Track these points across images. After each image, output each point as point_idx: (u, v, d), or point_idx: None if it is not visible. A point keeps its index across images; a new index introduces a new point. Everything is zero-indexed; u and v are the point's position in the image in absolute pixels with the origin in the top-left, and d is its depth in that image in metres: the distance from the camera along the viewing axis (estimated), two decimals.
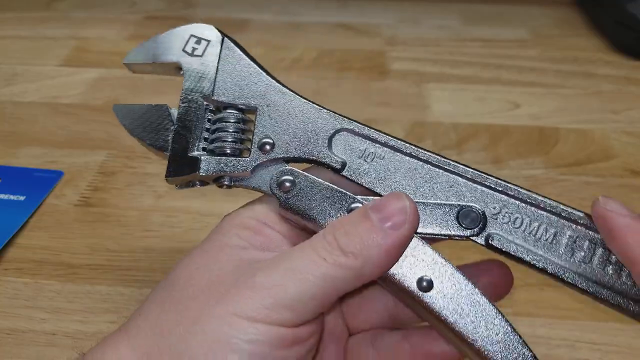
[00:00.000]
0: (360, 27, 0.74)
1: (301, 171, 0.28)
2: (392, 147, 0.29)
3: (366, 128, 0.30)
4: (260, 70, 0.30)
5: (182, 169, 0.29)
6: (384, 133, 0.30)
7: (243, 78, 0.30)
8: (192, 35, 0.31)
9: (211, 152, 0.29)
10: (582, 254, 0.27)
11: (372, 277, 0.25)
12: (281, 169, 0.29)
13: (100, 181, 0.48)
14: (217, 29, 0.31)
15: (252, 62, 0.30)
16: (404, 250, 0.26)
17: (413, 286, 0.26)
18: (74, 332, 0.36)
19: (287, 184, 0.28)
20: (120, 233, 0.44)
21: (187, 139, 0.29)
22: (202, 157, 0.29)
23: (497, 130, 0.55)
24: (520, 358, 0.25)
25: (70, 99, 0.59)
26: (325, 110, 0.30)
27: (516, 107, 0.59)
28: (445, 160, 0.29)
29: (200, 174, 0.28)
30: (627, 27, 0.66)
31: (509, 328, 0.26)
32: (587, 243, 0.27)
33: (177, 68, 0.31)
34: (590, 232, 0.27)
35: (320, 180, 0.28)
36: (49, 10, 0.77)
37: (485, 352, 0.25)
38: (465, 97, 0.60)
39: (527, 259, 0.27)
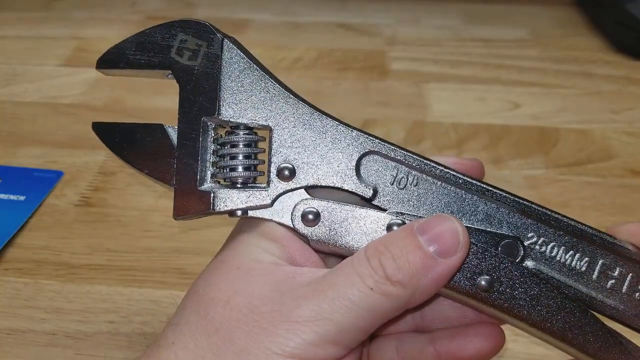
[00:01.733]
0: (360, 27, 0.74)
1: (325, 201, 0.26)
2: (426, 172, 0.26)
3: (398, 150, 0.26)
4: (272, 81, 0.26)
5: (193, 206, 0.25)
6: (417, 155, 0.26)
7: (252, 91, 0.26)
8: (182, 34, 0.25)
9: (222, 182, 0.26)
10: (613, 281, 0.26)
11: (418, 303, 0.24)
12: (302, 199, 0.26)
13: (100, 181, 0.48)
14: (213, 27, 0.26)
15: (260, 70, 0.26)
16: (455, 276, 0.24)
17: (472, 288, 0.25)
18: (74, 332, 0.36)
19: (311, 217, 0.25)
20: (120, 233, 0.44)
21: (193, 168, 0.25)
22: (214, 192, 0.25)
23: (497, 130, 0.55)
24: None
25: (71, 99, 0.59)
26: (351, 129, 0.26)
27: (516, 107, 0.59)
28: (480, 185, 0.26)
29: (215, 210, 0.25)
30: (627, 27, 0.66)
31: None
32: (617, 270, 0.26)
33: (166, 72, 0.26)
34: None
35: (348, 206, 0.26)
36: (49, 10, 0.77)
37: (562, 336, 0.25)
38: (465, 97, 0.60)
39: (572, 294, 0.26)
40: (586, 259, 0.26)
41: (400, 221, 0.25)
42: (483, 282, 0.25)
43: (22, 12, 0.76)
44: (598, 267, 0.26)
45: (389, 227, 0.25)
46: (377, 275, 0.23)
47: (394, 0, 0.80)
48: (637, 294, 0.25)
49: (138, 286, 0.39)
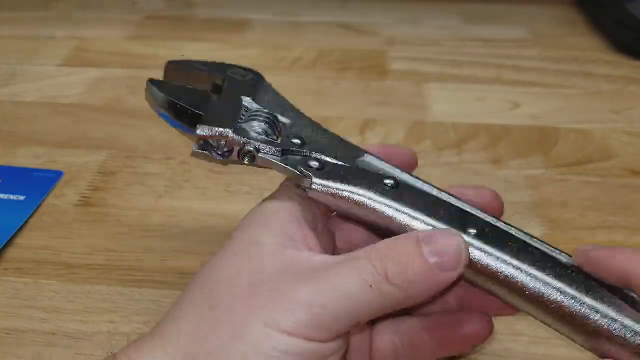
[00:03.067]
0: (360, 27, 0.74)
1: (326, 157, 0.29)
2: (415, 187, 0.29)
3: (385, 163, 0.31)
4: (286, 101, 0.33)
5: (219, 120, 0.28)
6: (419, 177, 0.31)
7: (277, 103, 0.33)
8: (234, 68, 0.34)
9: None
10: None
11: (412, 305, 0.26)
12: (308, 155, 0.29)
13: (100, 181, 0.48)
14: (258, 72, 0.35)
15: (280, 95, 0.34)
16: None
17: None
18: (74, 332, 0.36)
19: (316, 166, 0.28)
20: (120, 233, 0.43)
21: (223, 111, 0.29)
22: (237, 123, 0.29)
23: (497, 130, 0.55)
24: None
25: (70, 99, 0.59)
26: (355, 144, 0.32)
27: (516, 107, 0.59)
28: (452, 197, 0.30)
29: (235, 131, 0.28)
30: (627, 27, 0.66)
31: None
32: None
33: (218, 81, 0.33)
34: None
35: (347, 165, 0.29)
36: (49, 10, 0.77)
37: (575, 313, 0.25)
38: (465, 97, 0.60)
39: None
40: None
41: (392, 182, 0.28)
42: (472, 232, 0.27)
43: (22, 12, 0.76)
44: None
45: (385, 186, 0.28)
46: (378, 275, 0.24)
47: (394, 0, 0.80)
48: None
49: (138, 286, 0.39)
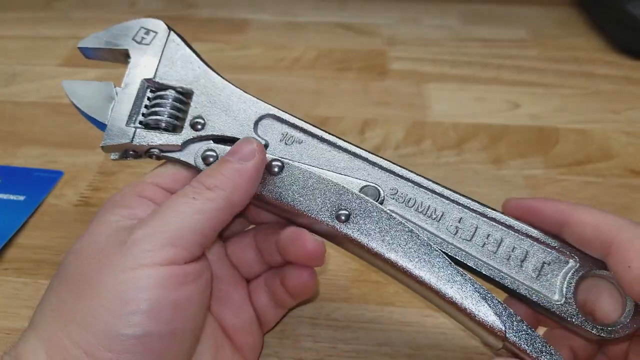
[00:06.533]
0: (360, 27, 0.74)
1: (223, 146, 0.31)
2: (309, 134, 0.33)
3: (288, 115, 0.33)
4: (199, 60, 0.33)
5: (117, 138, 0.31)
6: (304, 121, 0.33)
7: (183, 65, 0.33)
8: (142, 27, 0.34)
9: (146, 125, 0.32)
10: (465, 231, 0.31)
11: (242, 202, 0.29)
12: (207, 145, 0.31)
13: (100, 181, 0.48)
14: (165, 23, 0.34)
15: (192, 53, 0.33)
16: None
17: (332, 219, 0.30)
18: None
19: (211, 159, 0.31)
20: None
21: (125, 113, 0.32)
22: (137, 129, 0.31)
23: (497, 130, 0.55)
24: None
25: None
26: (254, 98, 0.33)
27: (516, 107, 0.59)
28: (351, 144, 0.32)
29: (133, 143, 0.31)
30: (627, 27, 0.66)
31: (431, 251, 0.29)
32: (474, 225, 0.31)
33: (126, 55, 0.33)
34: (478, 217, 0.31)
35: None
36: (49, 10, 0.77)
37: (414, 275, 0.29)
38: (465, 97, 0.60)
39: (421, 235, 0.30)
40: (441, 210, 0.31)
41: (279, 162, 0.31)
42: (342, 216, 0.30)
43: (22, 12, 0.76)
44: (450, 217, 0.31)
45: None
46: (197, 189, 0.28)
47: (394, 0, 0.80)
48: (489, 246, 0.30)
49: None
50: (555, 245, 0.30)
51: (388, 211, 0.30)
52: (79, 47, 0.34)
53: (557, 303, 0.29)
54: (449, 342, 0.36)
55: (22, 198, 0.46)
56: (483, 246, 0.30)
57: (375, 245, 0.29)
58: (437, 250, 0.29)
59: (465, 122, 0.56)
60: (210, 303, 0.32)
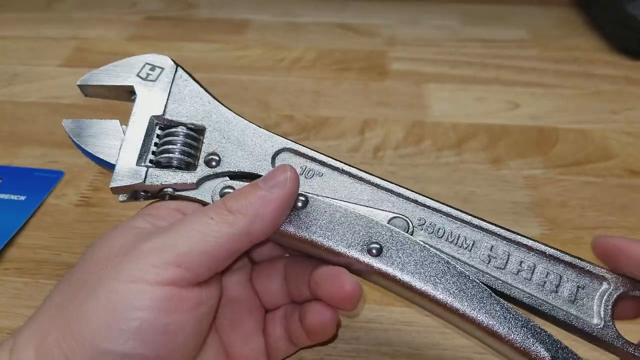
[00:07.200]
0: (360, 27, 0.74)
1: (243, 182, 0.30)
2: (330, 166, 0.32)
3: (306, 148, 0.32)
4: (209, 96, 0.32)
5: (127, 178, 0.30)
6: (323, 154, 0.32)
7: (193, 101, 0.32)
8: (146, 63, 0.32)
9: (158, 164, 0.30)
10: (498, 260, 0.30)
11: (263, 233, 0.27)
12: (224, 182, 0.30)
13: (100, 181, 0.49)
14: (172, 59, 0.33)
15: (201, 88, 0.32)
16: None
17: (363, 254, 0.28)
18: None
19: (228, 191, 0.29)
20: None
21: (135, 152, 0.30)
22: (148, 169, 0.30)
23: (497, 130, 0.55)
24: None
25: (71, 99, 0.59)
26: (269, 132, 0.32)
27: (516, 107, 0.59)
28: (373, 176, 0.31)
29: (146, 183, 0.29)
30: (627, 27, 0.66)
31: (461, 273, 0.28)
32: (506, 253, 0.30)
33: (130, 92, 0.32)
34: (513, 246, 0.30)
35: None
36: (50, 11, 0.77)
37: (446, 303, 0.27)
38: (465, 97, 0.60)
39: (457, 266, 0.28)
40: (471, 239, 0.30)
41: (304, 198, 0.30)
42: (374, 249, 0.28)
43: (23, 12, 0.76)
44: (482, 246, 0.30)
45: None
46: (219, 209, 0.27)
47: (393, 0, 0.80)
48: (523, 273, 0.29)
49: None
50: (588, 268, 0.29)
51: (421, 242, 0.29)
52: (78, 85, 0.32)
53: (597, 327, 0.28)
54: (449, 341, 0.36)
55: (22, 198, 0.46)
56: (517, 273, 0.29)
57: (411, 279, 0.28)
58: (475, 281, 0.28)
59: (464, 122, 0.56)
60: (222, 325, 0.31)
